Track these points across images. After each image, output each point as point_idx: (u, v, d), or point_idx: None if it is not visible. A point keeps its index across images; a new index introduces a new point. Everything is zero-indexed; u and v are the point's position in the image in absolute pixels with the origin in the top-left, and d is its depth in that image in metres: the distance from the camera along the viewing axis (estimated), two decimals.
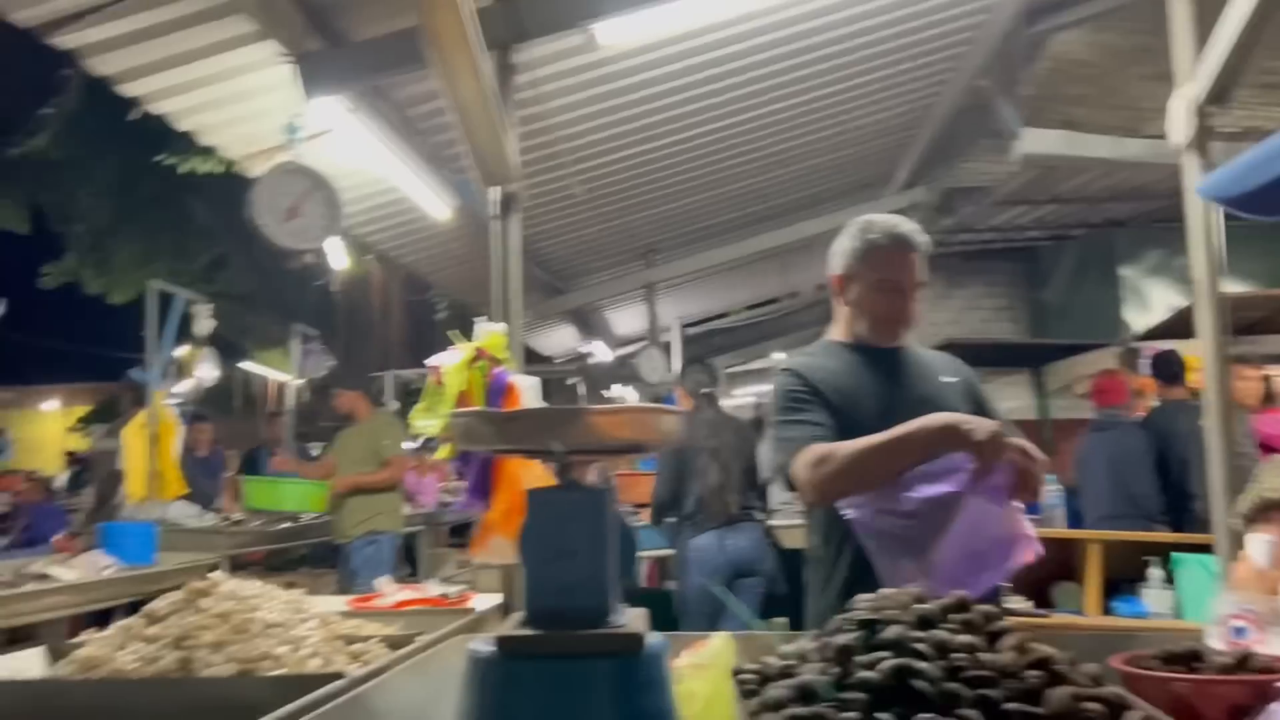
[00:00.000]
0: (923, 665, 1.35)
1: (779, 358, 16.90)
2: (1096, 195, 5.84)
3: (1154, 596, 2.86)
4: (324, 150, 3.31)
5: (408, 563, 9.01)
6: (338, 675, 1.64)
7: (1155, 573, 2.91)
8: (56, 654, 2.04)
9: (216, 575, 2.10)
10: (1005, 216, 6.41)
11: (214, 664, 1.83)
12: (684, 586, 4.54)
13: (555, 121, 4.13)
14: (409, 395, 15.13)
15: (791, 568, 4.50)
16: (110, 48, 2.87)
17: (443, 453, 2.67)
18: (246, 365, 14.41)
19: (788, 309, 11.51)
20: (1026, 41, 4.18)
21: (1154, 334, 6.37)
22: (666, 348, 7.28)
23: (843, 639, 1.44)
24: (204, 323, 5.58)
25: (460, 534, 12.25)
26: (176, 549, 5.00)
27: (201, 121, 3.48)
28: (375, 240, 5.30)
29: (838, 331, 2.37)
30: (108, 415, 22.05)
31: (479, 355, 2.65)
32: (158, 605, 2.00)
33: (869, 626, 1.46)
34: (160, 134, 13.84)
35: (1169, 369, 5.73)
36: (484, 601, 2.66)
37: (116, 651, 1.88)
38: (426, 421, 2.70)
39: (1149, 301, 6.93)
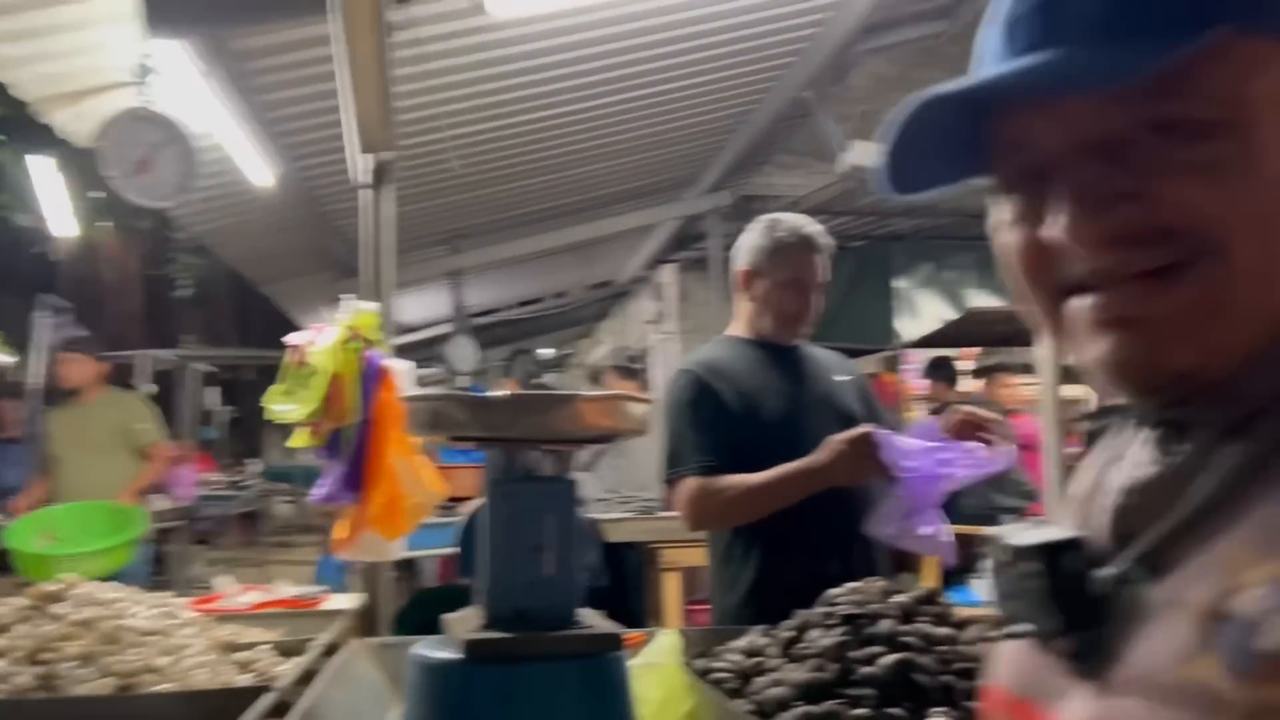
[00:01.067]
0: (923, 660, 1.38)
1: (547, 352, 17.00)
2: (891, 210, 6.23)
3: (986, 586, 3.04)
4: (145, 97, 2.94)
5: (152, 562, 8.28)
6: (263, 689, 1.46)
7: (988, 564, 3.08)
8: None
9: (70, 577, 1.83)
10: None
11: (85, 680, 1.58)
12: None
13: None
14: (159, 379, 13.88)
15: (613, 562, 4.47)
16: None
17: (300, 439, 2.44)
18: None
19: (565, 305, 11.55)
20: (851, 58, 4.39)
21: (925, 342, 6.88)
22: (474, 336, 7.09)
23: (835, 636, 1.44)
24: None
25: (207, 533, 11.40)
26: None
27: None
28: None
29: (738, 327, 2.39)
30: None
31: (352, 335, 2.45)
32: None
33: (853, 621, 1.47)
34: None
35: (946, 373, 6.21)
36: (343, 602, 2.46)
37: None
38: (285, 406, 2.47)
39: (919, 312, 7.47)
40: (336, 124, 4.32)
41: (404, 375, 2.52)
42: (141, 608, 1.80)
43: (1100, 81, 0.53)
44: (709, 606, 2.43)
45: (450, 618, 1.71)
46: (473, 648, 1.43)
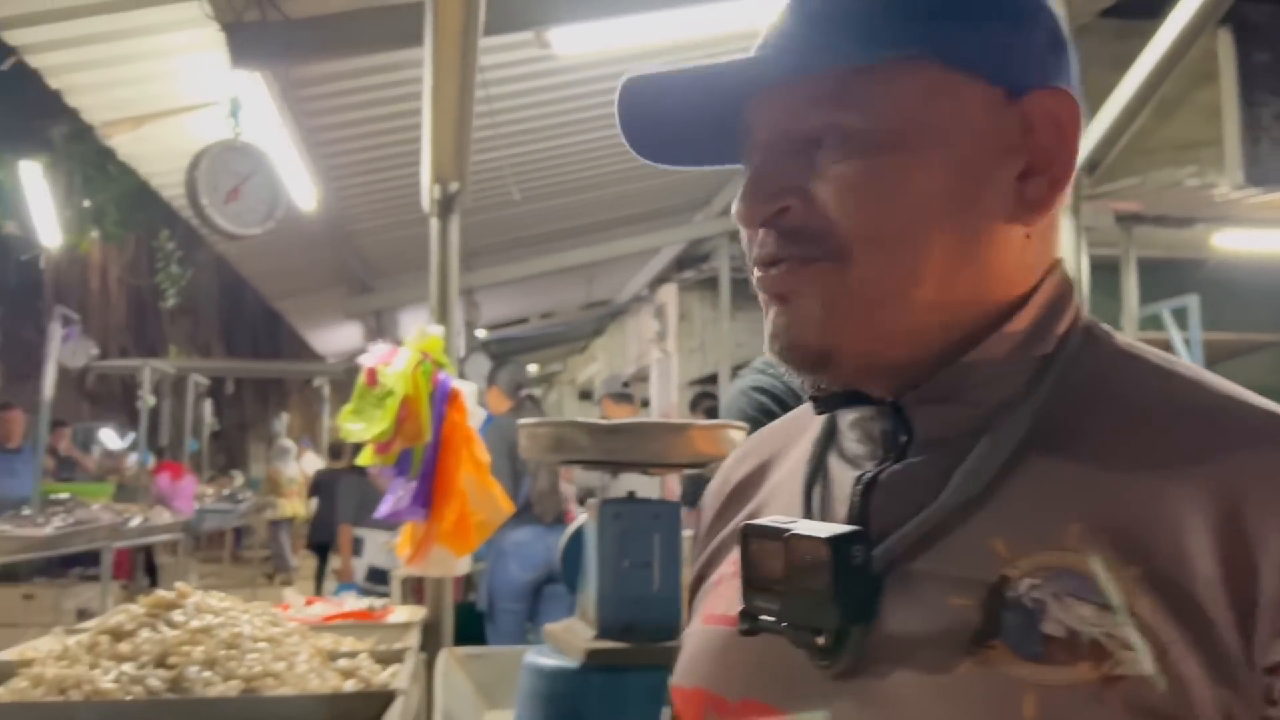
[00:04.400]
0: None
1: (531, 369, 17.10)
2: None
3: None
4: (208, 121, 3.03)
5: (147, 573, 8.30)
6: (391, 694, 1.57)
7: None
8: None
9: (183, 586, 1.92)
10: None
11: (210, 683, 1.68)
12: (497, 581, 4.49)
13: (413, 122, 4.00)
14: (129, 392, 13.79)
15: None
16: None
17: (365, 457, 2.55)
18: None
19: (558, 324, 11.61)
20: None
21: None
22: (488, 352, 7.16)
23: None
24: None
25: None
26: None
27: (74, 81, 3.09)
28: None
29: None
30: None
31: (422, 358, 2.56)
32: (120, 620, 1.81)
33: None
34: None
35: None
36: (406, 615, 2.56)
37: (92, 671, 1.68)
38: (355, 425, 2.58)
39: None
40: (373, 148, 4.47)
41: (470, 397, 2.64)
42: (248, 616, 1.90)
43: (774, 74, 0.60)
44: None
45: (553, 628, 1.83)
46: (592, 656, 1.55)
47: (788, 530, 0.59)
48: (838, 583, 0.56)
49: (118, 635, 1.77)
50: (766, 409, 2.31)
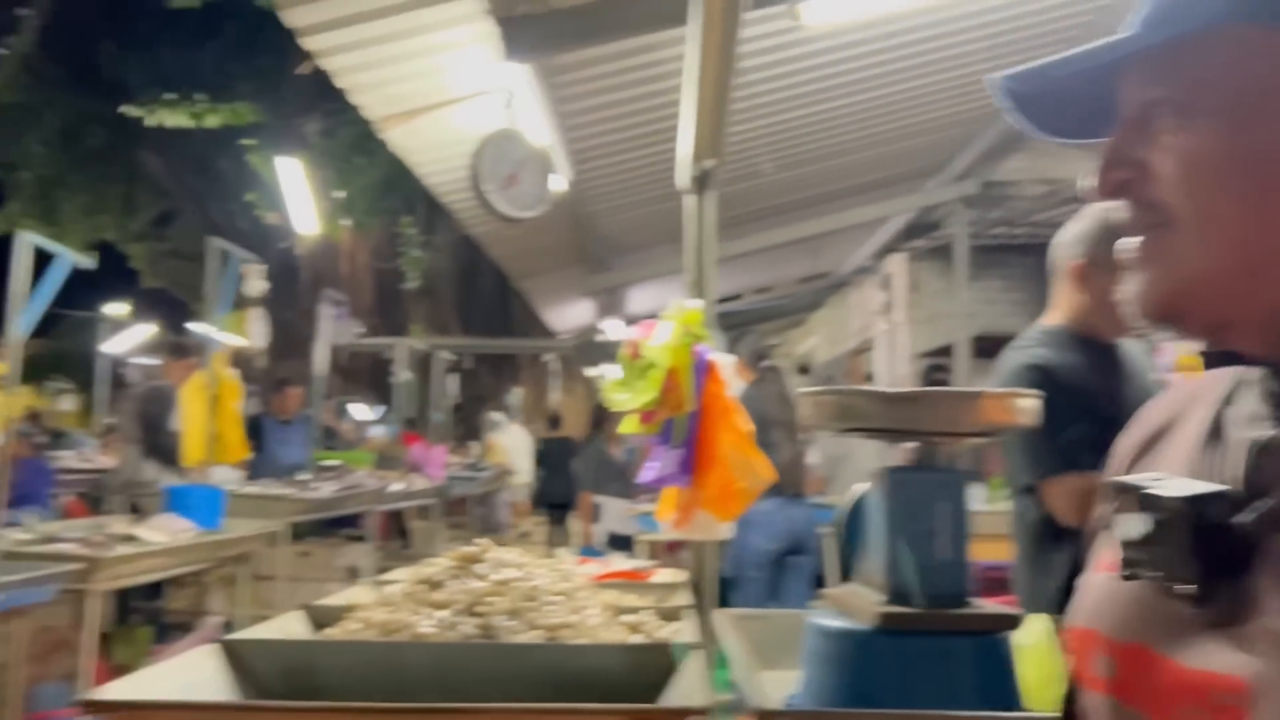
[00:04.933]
0: None
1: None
2: None
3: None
4: (472, 112, 3.23)
5: (399, 535, 8.92)
6: (685, 646, 1.65)
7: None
8: (320, 620, 2.02)
9: (483, 542, 2.09)
10: (1052, 214, 6.52)
11: (516, 631, 1.82)
12: (741, 550, 4.59)
13: (659, 103, 4.08)
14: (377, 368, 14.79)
15: None
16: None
17: (629, 425, 2.65)
18: (197, 327, 14.01)
19: (774, 298, 11.52)
20: None
21: None
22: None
23: None
24: (255, 283, 5.45)
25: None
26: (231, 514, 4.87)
27: (358, 80, 3.39)
28: (454, 200, 5.23)
29: (1061, 318, 2.39)
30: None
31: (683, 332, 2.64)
32: (432, 572, 1.99)
33: None
34: (113, 83, 13.35)
35: None
36: (669, 576, 2.68)
37: (410, 617, 1.86)
38: (622, 395, 2.69)
39: None
40: (620, 129, 4.61)
41: (728, 368, 2.70)
42: (543, 570, 2.04)
43: (1102, 58, 0.62)
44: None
45: (834, 592, 1.86)
46: (885, 620, 1.56)
47: (1146, 488, 0.62)
48: (1194, 539, 0.60)
49: (432, 585, 1.95)
50: (1040, 386, 2.22)
